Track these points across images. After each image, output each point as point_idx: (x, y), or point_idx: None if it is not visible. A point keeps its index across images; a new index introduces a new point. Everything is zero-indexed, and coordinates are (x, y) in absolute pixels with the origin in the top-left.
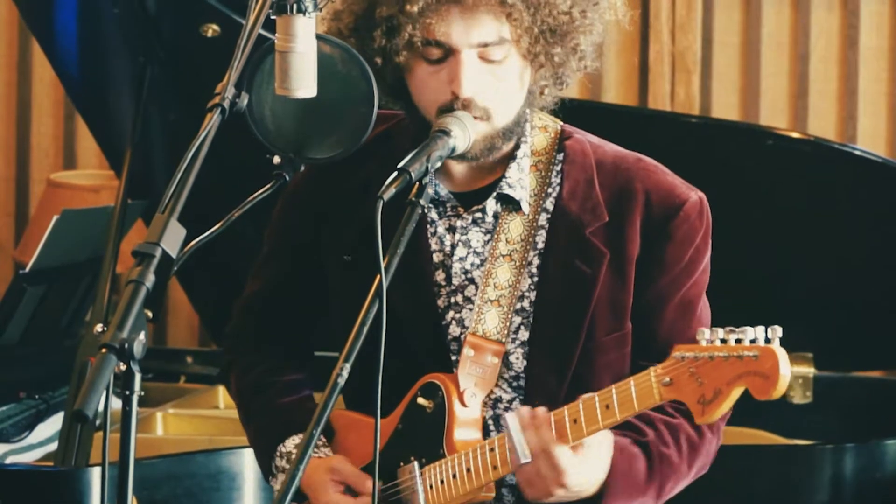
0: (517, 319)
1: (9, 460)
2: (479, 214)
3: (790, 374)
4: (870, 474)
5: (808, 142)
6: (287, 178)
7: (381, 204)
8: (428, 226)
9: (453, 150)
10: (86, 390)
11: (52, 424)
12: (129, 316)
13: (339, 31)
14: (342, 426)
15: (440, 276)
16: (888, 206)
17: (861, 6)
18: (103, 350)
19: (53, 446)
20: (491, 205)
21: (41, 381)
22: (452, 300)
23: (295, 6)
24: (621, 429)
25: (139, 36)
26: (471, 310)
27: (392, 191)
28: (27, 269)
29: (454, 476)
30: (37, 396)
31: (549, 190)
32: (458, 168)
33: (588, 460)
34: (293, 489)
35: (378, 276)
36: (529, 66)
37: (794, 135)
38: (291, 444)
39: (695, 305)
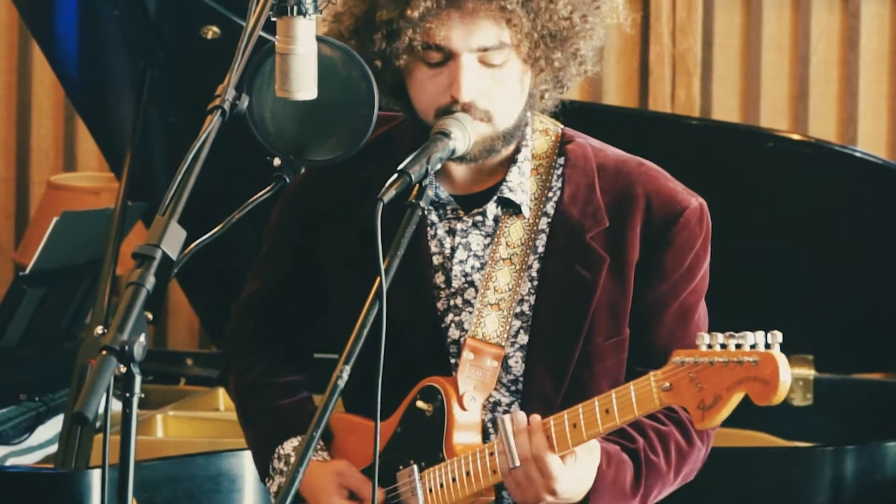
0: (517, 323)
1: (9, 462)
2: (479, 218)
3: (790, 380)
4: (870, 476)
5: (809, 144)
6: (287, 180)
7: (381, 206)
8: (428, 228)
9: (453, 152)
10: (86, 392)
11: (52, 426)
12: (129, 318)
13: (339, 33)
14: (341, 429)
15: (440, 278)
16: (888, 207)
17: (862, 8)
18: (103, 352)
19: (53, 448)
20: (491, 208)
21: (41, 383)
22: (452, 303)
23: (295, 8)
24: (611, 434)
25: (139, 38)
26: (470, 313)
27: (392, 192)
28: (27, 270)
29: (454, 479)
30: (37, 398)
31: (550, 194)
32: (459, 171)
33: (578, 467)
34: (293, 491)
35: (378, 278)
36: (530, 70)
37: (795, 137)
38: (290, 446)
39: (693, 312)
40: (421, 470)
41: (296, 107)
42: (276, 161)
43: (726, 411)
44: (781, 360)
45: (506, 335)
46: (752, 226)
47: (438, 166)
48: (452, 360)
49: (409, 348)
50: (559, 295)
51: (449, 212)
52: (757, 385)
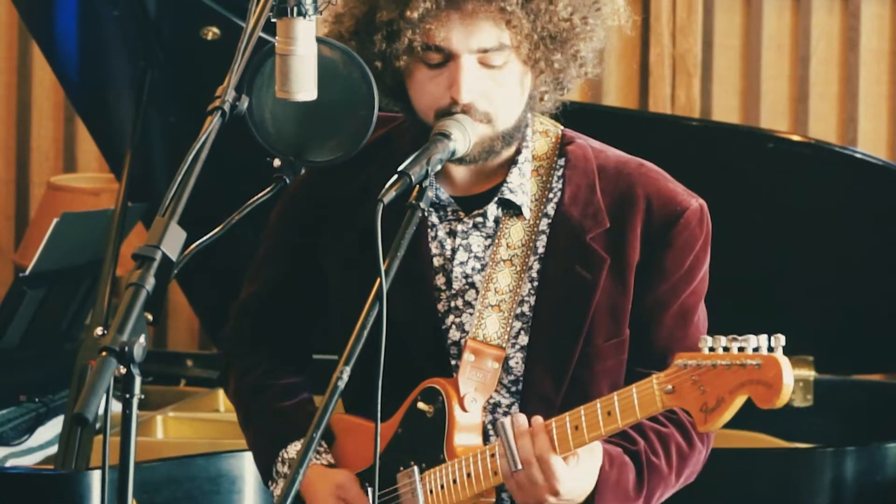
0: (517, 324)
1: (9, 463)
2: (479, 219)
3: (793, 383)
4: (870, 477)
5: (809, 145)
6: (287, 181)
7: (381, 207)
8: (428, 230)
9: (453, 153)
10: (86, 393)
11: (53, 428)
12: (129, 319)
13: (339, 34)
14: (341, 430)
15: (440, 280)
16: (888, 208)
17: (862, 8)
18: (103, 353)
19: (53, 449)
20: (492, 209)
21: (41, 384)
22: (453, 304)
23: (295, 9)
24: (612, 436)
25: (139, 38)
26: (471, 314)
27: (392, 194)
28: (27, 271)
29: (454, 481)
30: (37, 400)
31: (551, 195)
32: (460, 172)
33: (579, 468)
34: (293, 493)
35: (378, 280)
36: (530, 71)
37: (795, 138)
38: (293, 449)
39: (692, 313)
40: (421, 471)
41: (296, 108)
42: (276, 162)
43: (729, 414)
44: (785, 363)
45: (507, 336)
46: (753, 227)
47: (438, 167)
48: (453, 362)
49: (410, 350)
50: (559, 296)
51: (449, 213)
52: (760, 388)
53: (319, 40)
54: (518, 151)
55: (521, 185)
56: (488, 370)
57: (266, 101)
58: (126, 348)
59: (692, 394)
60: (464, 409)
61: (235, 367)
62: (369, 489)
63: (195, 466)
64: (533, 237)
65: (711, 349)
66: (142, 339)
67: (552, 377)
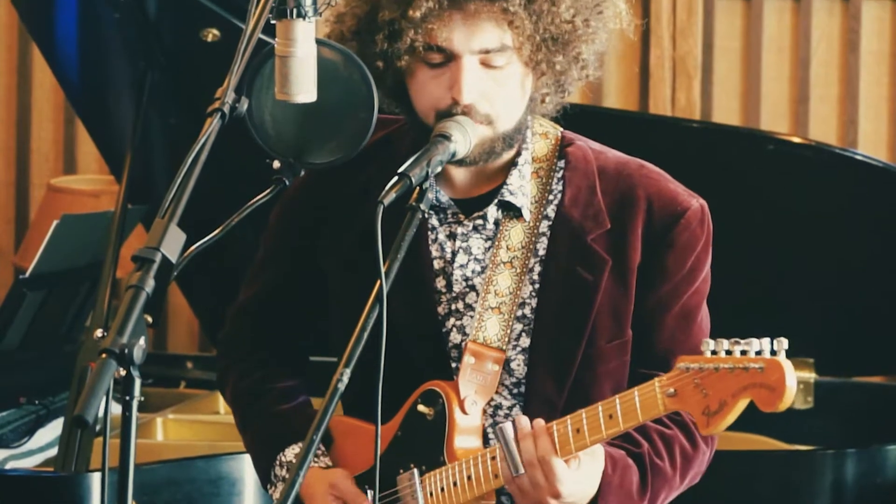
0: (518, 326)
1: (9, 465)
2: (479, 221)
3: (796, 387)
4: (870, 479)
5: (809, 146)
6: (287, 182)
7: (381, 208)
8: (429, 232)
9: (454, 154)
10: (86, 395)
11: (52, 430)
12: (128, 321)
13: (341, 33)
14: (341, 433)
15: (441, 282)
16: (889, 210)
17: (862, 10)
18: (103, 355)
19: (53, 452)
20: (492, 212)
21: (41, 386)
22: (453, 307)
23: (295, 10)
24: (616, 439)
25: (139, 40)
26: (471, 317)
27: (392, 195)
28: (27, 273)
29: (455, 484)
30: (37, 402)
31: (551, 197)
32: (459, 174)
33: (581, 471)
34: (293, 496)
35: (378, 282)
36: (531, 73)
37: (795, 139)
38: (291, 453)
39: (695, 314)
40: (422, 474)
41: (295, 109)
42: (276, 164)
43: (731, 417)
44: (788, 366)
45: (507, 339)
46: (753, 229)
47: (439, 169)
48: (453, 365)
49: (410, 352)
50: (561, 297)
51: (449, 216)
52: (763, 391)
53: (319, 42)
54: (518, 153)
55: (521, 187)
56: (488, 373)
57: (266, 102)
58: (126, 350)
59: (694, 397)
60: (464, 412)
61: (233, 370)
62: (369, 491)
63: (195, 469)
64: (533, 239)
65: (714, 352)
66: (142, 341)
67: (554, 379)
